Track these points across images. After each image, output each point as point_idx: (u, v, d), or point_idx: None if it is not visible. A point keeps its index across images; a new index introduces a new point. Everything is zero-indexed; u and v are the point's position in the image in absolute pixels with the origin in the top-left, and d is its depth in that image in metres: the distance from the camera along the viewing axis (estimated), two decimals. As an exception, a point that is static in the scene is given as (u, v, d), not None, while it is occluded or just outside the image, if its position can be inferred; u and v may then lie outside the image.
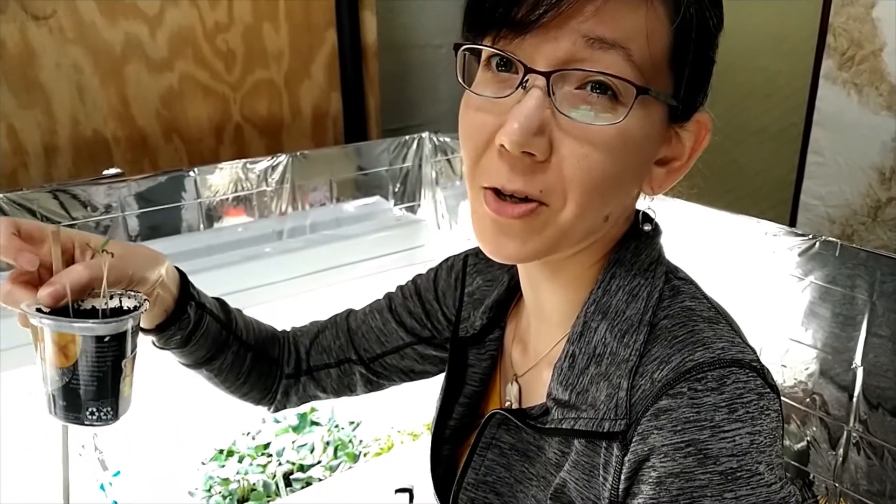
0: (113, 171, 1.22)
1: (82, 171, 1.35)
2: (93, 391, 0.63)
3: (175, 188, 1.29)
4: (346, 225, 1.47)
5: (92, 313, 0.63)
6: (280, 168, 1.38)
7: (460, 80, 0.59)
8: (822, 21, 1.37)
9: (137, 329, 0.66)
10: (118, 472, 1.22)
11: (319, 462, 1.36)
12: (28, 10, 1.25)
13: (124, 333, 0.63)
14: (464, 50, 0.58)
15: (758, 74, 1.53)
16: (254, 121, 1.54)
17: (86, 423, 0.63)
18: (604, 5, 0.51)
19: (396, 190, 1.55)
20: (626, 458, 0.55)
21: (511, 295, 0.77)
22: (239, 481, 1.30)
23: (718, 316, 0.60)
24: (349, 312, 0.91)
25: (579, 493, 0.60)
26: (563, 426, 0.60)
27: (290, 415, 1.45)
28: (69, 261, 0.66)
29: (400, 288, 0.90)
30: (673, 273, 0.63)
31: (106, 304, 0.64)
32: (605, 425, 0.56)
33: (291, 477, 1.32)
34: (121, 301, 0.65)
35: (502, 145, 0.53)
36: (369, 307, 0.90)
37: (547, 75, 0.52)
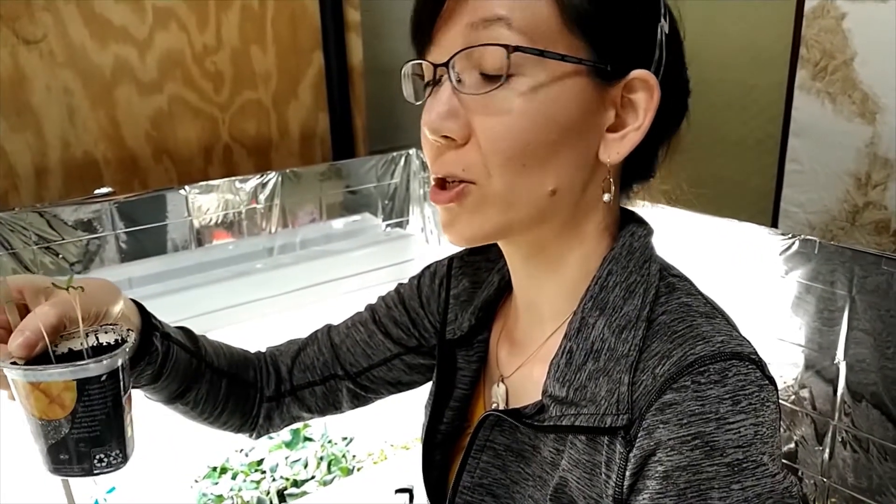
0: (104, 190, 1.23)
1: (73, 192, 1.36)
2: (97, 436, 0.58)
3: (165, 207, 1.30)
4: (336, 241, 1.48)
5: (71, 357, 0.58)
6: (270, 186, 1.40)
7: (406, 94, 0.66)
8: (794, 33, 1.42)
9: (128, 363, 0.61)
10: (113, 489, 1.21)
11: (313, 477, 1.36)
12: (19, 34, 1.27)
13: (118, 369, 0.58)
14: (403, 69, 0.65)
15: (734, 87, 1.57)
16: (242, 141, 1.56)
17: (95, 471, 0.58)
18: None
19: (385, 206, 1.57)
20: (631, 454, 0.55)
21: (499, 295, 0.77)
22: (233, 498, 1.30)
23: (714, 311, 0.61)
24: (329, 328, 0.90)
25: (581, 492, 0.60)
26: (563, 423, 0.60)
27: (283, 431, 1.44)
28: (22, 310, 0.61)
29: (382, 298, 0.89)
30: (667, 270, 0.65)
31: (82, 343, 0.58)
32: (608, 420, 0.57)
33: (286, 493, 1.32)
34: (97, 337, 0.60)
35: (426, 135, 0.60)
36: (351, 320, 0.89)
37: (445, 65, 0.59)
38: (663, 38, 0.60)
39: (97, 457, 0.58)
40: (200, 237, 1.34)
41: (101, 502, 1.19)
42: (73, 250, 1.22)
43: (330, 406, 0.88)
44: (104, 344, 0.60)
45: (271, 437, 1.44)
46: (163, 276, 1.29)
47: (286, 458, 1.39)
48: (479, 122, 0.58)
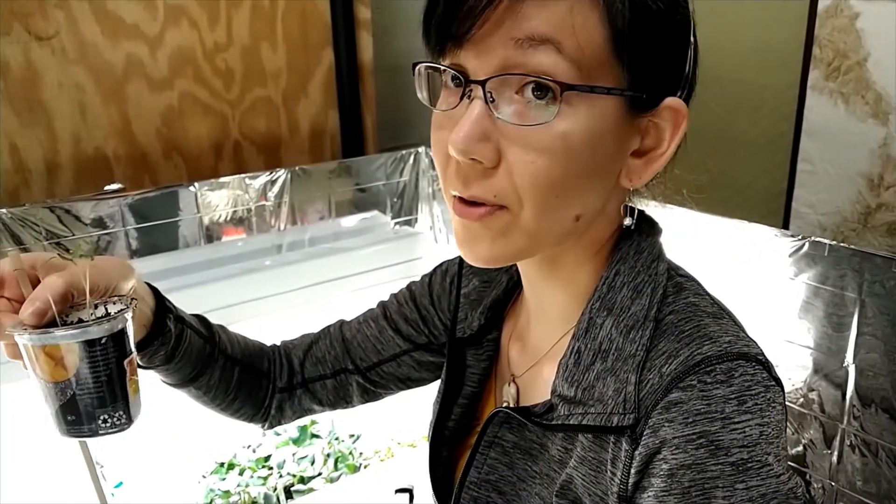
0: (115, 186, 1.24)
1: (83, 188, 1.37)
2: (101, 397, 0.61)
3: (175, 203, 1.31)
4: (345, 239, 1.49)
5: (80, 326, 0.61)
6: (279, 183, 1.40)
7: (420, 97, 0.61)
8: (807, 33, 1.40)
9: (130, 328, 0.64)
10: (120, 483, 1.22)
11: (320, 474, 1.36)
12: (31, 30, 1.28)
13: (121, 332, 0.62)
14: (418, 67, 0.60)
15: (747, 87, 1.56)
16: (252, 138, 1.56)
17: (100, 432, 0.61)
18: (527, 5, 0.52)
19: (394, 204, 1.57)
20: (637, 452, 0.55)
21: (509, 295, 0.77)
22: (240, 494, 1.30)
23: (721, 312, 0.61)
24: (342, 322, 0.91)
25: (586, 489, 0.60)
26: (571, 422, 0.60)
27: (290, 427, 1.45)
28: (36, 283, 0.62)
29: (394, 295, 0.89)
30: (674, 270, 0.64)
31: (92, 314, 0.61)
32: (614, 420, 0.57)
33: (292, 489, 1.33)
34: (106, 308, 0.63)
35: (453, 155, 0.55)
36: (363, 316, 0.90)
37: (482, 84, 0.54)
38: (692, 57, 0.58)
39: (101, 417, 0.61)
40: (210, 234, 1.35)
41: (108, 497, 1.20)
42: (84, 246, 1.22)
43: (340, 400, 0.89)
44: (112, 313, 0.62)
45: (278, 434, 1.44)
46: (172, 272, 1.30)
47: (293, 454, 1.39)
48: (516, 153, 0.54)
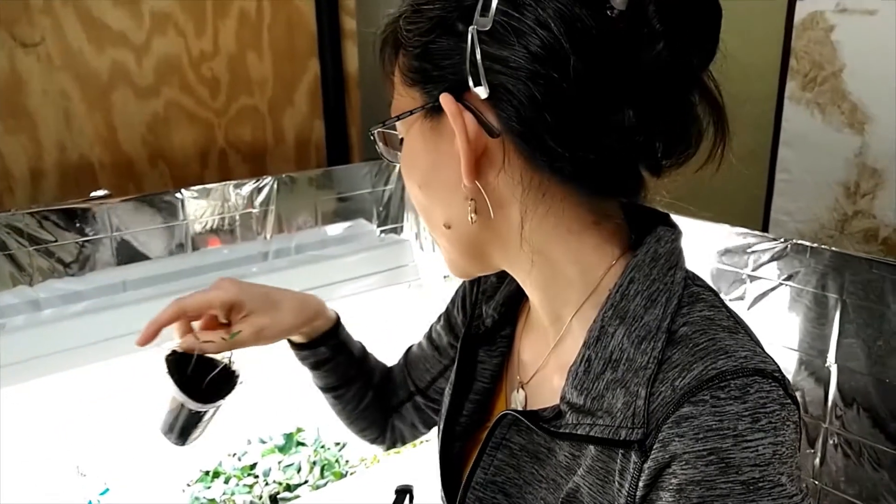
0: (101, 192, 1.23)
1: (68, 196, 1.36)
2: (173, 429, 0.85)
3: (161, 210, 1.31)
4: (331, 246, 1.49)
5: (211, 364, 0.83)
6: (265, 191, 1.40)
7: None
8: (784, 45, 1.44)
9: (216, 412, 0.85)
10: (106, 490, 1.21)
11: (306, 482, 1.35)
12: (16, 37, 1.27)
13: (204, 413, 0.84)
14: None
15: (725, 98, 1.58)
16: (238, 146, 1.56)
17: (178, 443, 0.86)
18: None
19: (379, 212, 1.57)
20: (646, 466, 0.55)
21: (521, 291, 0.76)
22: (225, 502, 1.29)
23: (737, 326, 0.59)
24: (411, 346, 0.99)
25: (592, 498, 0.59)
26: (578, 432, 0.59)
27: (275, 435, 1.45)
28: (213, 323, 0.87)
29: (440, 313, 0.94)
30: (691, 280, 0.63)
31: (229, 362, 0.85)
32: (622, 433, 0.56)
33: (279, 497, 1.32)
34: (230, 366, 0.85)
35: None
36: (423, 336, 0.97)
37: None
38: (475, 44, 0.55)
39: (170, 436, 0.86)
40: (195, 241, 1.35)
41: (94, 503, 1.19)
42: (68, 253, 1.22)
43: (422, 422, 0.98)
44: (231, 372, 0.85)
45: (263, 442, 1.43)
46: (157, 279, 1.29)
47: (279, 462, 1.38)
48: None
